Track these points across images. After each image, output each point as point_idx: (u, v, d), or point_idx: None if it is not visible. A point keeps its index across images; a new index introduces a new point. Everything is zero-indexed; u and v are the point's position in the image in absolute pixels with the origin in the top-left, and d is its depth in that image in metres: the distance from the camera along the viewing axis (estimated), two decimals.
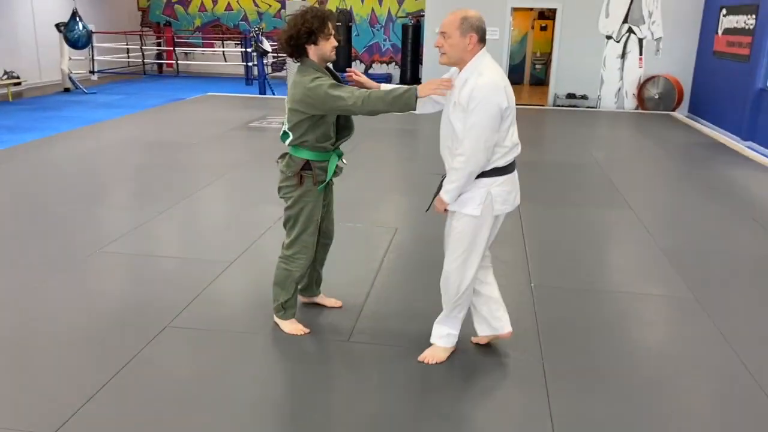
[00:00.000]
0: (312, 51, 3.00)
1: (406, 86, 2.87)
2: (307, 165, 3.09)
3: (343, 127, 3.20)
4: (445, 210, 2.93)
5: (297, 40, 2.97)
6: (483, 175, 2.81)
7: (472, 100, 2.69)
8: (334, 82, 2.96)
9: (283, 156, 3.20)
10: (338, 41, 3.10)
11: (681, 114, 11.80)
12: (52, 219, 5.08)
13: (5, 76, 12.65)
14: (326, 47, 3.01)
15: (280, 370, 3.07)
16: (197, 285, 3.91)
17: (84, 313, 3.55)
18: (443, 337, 3.15)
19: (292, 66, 10.41)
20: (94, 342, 3.25)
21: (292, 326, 3.37)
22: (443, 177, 2.93)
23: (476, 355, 3.22)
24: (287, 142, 3.12)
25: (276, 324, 3.42)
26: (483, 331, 3.24)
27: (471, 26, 2.74)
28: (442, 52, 2.81)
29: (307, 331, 3.36)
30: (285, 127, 3.12)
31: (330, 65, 3.20)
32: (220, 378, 2.96)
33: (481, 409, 2.83)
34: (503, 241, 4.81)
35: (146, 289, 3.88)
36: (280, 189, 3.21)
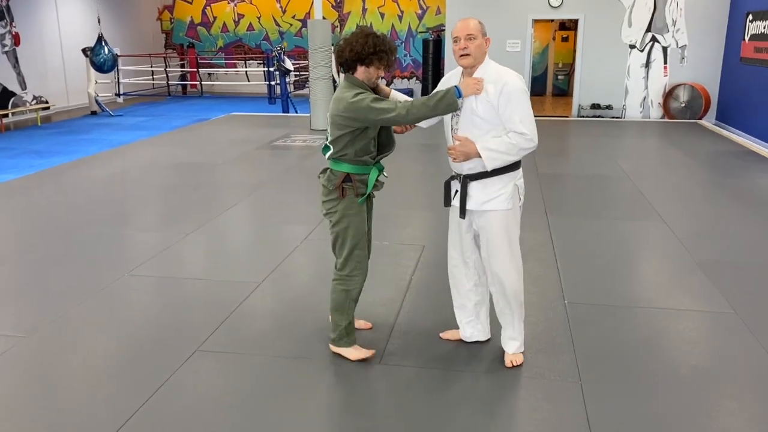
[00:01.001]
0: (361, 71, 3.05)
1: (443, 89, 2.97)
2: (347, 178, 3.10)
3: (384, 143, 3.22)
4: (459, 156, 2.97)
5: (357, 56, 3.00)
6: (509, 168, 2.99)
7: (514, 92, 2.87)
8: (377, 96, 3.02)
9: (324, 171, 3.22)
10: (387, 72, 3.19)
11: (708, 122, 11.60)
12: (80, 243, 5.12)
13: (34, 101, 12.92)
14: (374, 73, 3.07)
15: (312, 396, 3.02)
16: (226, 307, 3.89)
17: (114, 338, 3.55)
18: (519, 346, 3.26)
19: (314, 85, 10.44)
20: (125, 368, 3.23)
21: (357, 353, 3.26)
22: (452, 177, 3.12)
23: (513, 375, 3.14)
24: (328, 155, 3.14)
25: (335, 354, 3.29)
26: (474, 336, 3.39)
27: (485, 30, 2.99)
28: (466, 53, 2.93)
29: (373, 352, 3.29)
30: (327, 141, 3.16)
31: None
32: (250, 403, 2.92)
33: (519, 431, 2.75)
34: (534, 256, 4.73)
35: (175, 312, 3.87)
36: (323, 204, 3.20)
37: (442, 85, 3.15)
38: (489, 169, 2.93)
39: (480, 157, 2.91)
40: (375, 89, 3.16)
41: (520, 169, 3.09)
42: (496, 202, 3.00)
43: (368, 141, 3.10)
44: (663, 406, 2.89)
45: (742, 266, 4.57)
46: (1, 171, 8.07)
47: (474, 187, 3.02)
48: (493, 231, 3.04)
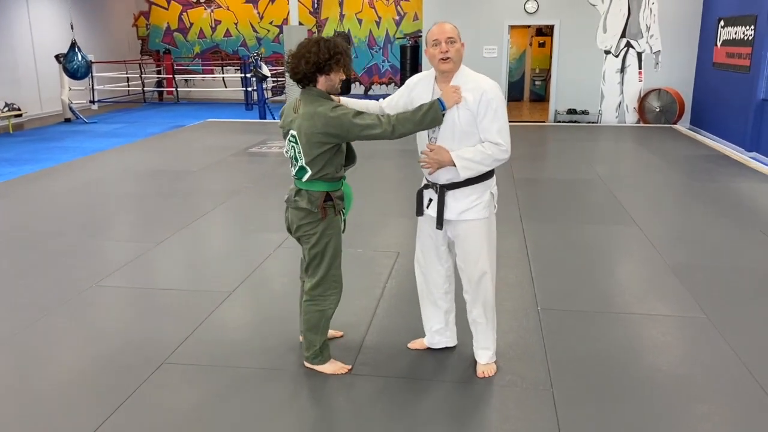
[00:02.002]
0: (322, 80, 2.92)
1: (427, 102, 2.88)
2: (327, 197, 2.98)
3: (349, 156, 3.12)
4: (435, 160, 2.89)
5: (315, 66, 2.87)
6: (484, 177, 2.95)
7: (493, 101, 2.83)
8: (356, 110, 2.89)
9: (298, 193, 3.01)
10: (347, 76, 3.06)
11: (683, 126, 11.72)
12: (48, 253, 5.01)
13: (6, 108, 12.69)
14: (336, 80, 2.95)
15: (280, 410, 2.95)
16: (195, 318, 3.82)
17: (78, 351, 3.46)
18: (491, 356, 3.22)
19: (291, 92, 10.39)
20: (88, 383, 3.15)
21: (333, 367, 3.20)
22: (426, 186, 3.05)
23: (484, 384, 3.10)
24: (305, 177, 2.95)
25: (309, 368, 3.22)
26: (442, 342, 3.37)
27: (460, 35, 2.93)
28: (448, 57, 2.84)
29: (350, 367, 3.23)
30: (301, 162, 2.94)
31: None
32: (216, 418, 2.86)
33: None
34: (507, 262, 4.72)
35: (142, 324, 3.79)
36: (299, 228, 3.02)
37: (408, 89, 3.03)
38: (462, 178, 2.88)
39: (454, 165, 2.85)
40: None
41: (494, 177, 3.06)
42: (473, 211, 2.96)
43: (342, 155, 3.02)
44: (634, 413, 2.88)
45: (715, 270, 4.60)
46: None
47: (451, 196, 2.96)
48: (470, 240, 3.00)
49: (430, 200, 3.06)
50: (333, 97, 3.03)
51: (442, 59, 2.84)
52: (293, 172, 3.03)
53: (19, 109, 13.00)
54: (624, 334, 3.64)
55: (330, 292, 3.10)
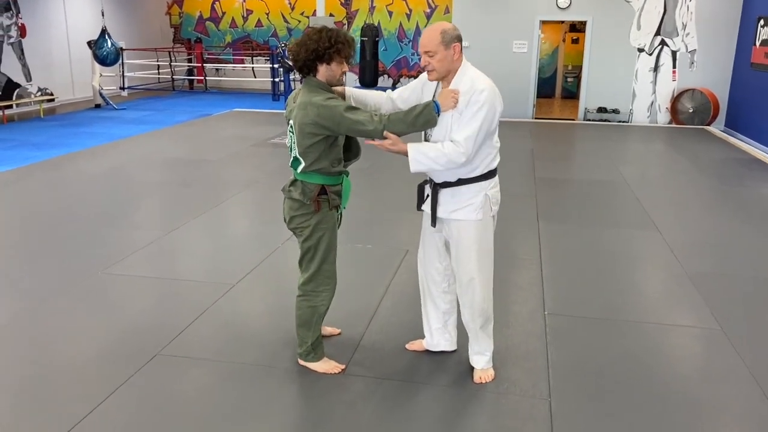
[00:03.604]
0: (323, 70, 2.86)
1: (422, 103, 2.79)
2: (322, 190, 2.93)
3: (347, 149, 3.06)
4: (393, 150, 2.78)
5: (314, 54, 2.82)
6: (480, 179, 2.85)
7: (474, 104, 2.71)
8: (349, 105, 2.83)
9: (293, 183, 2.99)
10: (349, 69, 2.99)
11: (717, 128, 11.36)
12: (59, 239, 5.05)
13: (39, 93, 12.93)
14: (337, 70, 2.88)
15: (270, 407, 2.90)
16: (195, 310, 3.79)
17: (73, 339, 3.46)
18: (488, 361, 3.12)
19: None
20: (79, 371, 3.14)
21: (326, 365, 3.14)
22: (425, 181, 3.00)
23: (478, 390, 3.01)
24: (299, 168, 2.91)
25: (302, 366, 3.17)
26: (440, 345, 3.29)
27: (453, 37, 2.76)
28: (430, 69, 2.78)
29: (343, 367, 3.16)
30: (295, 153, 2.91)
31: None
32: (202, 413, 2.82)
33: None
34: (518, 264, 4.60)
35: (142, 313, 3.77)
36: (292, 219, 2.99)
37: (420, 83, 2.96)
38: (412, 170, 2.79)
39: (406, 155, 2.76)
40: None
41: (495, 179, 2.94)
42: (464, 211, 2.88)
43: (339, 149, 2.96)
44: (635, 429, 2.75)
45: (735, 280, 4.41)
46: None
47: (444, 194, 2.90)
48: (460, 241, 2.92)
49: (427, 196, 2.99)
50: (336, 88, 2.97)
51: (427, 71, 2.81)
52: (289, 162, 2.99)
53: (52, 94, 13.24)
54: (632, 343, 3.50)
55: (322, 288, 3.04)
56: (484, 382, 3.06)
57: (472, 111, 2.71)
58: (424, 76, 2.98)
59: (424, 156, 2.74)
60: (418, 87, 2.99)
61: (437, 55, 2.74)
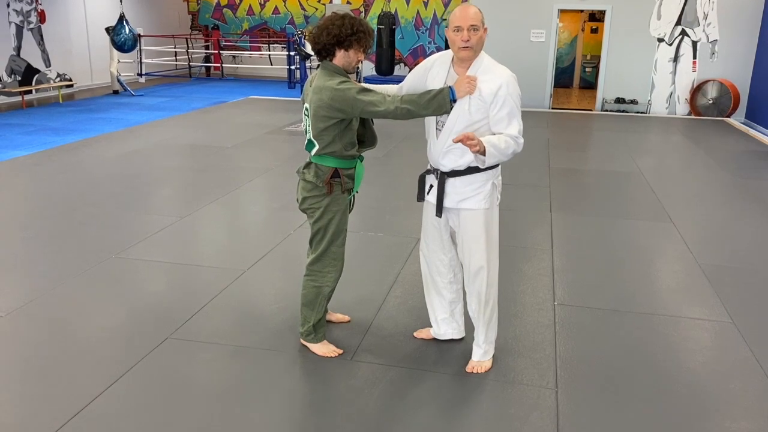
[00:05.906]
0: (340, 56, 2.90)
1: (437, 89, 2.79)
2: (335, 173, 2.97)
3: (361, 135, 3.08)
4: (469, 143, 2.66)
5: (335, 39, 2.85)
6: (487, 168, 2.83)
7: (512, 95, 2.74)
8: (363, 86, 2.86)
9: (307, 165, 3.05)
10: (365, 59, 3.04)
11: (737, 120, 11.20)
12: (74, 223, 5.11)
13: (58, 79, 13.05)
14: (354, 58, 2.92)
15: (275, 391, 2.93)
16: (206, 294, 3.84)
17: (86, 322, 3.51)
18: (484, 353, 3.10)
19: None
20: (92, 353, 3.19)
21: (324, 348, 3.19)
22: (428, 171, 3.01)
23: (484, 379, 3.02)
24: (313, 151, 2.97)
25: (304, 346, 3.23)
26: (448, 334, 3.29)
27: (484, 19, 2.79)
28: (468, 46, 2.74)
29: (341, 351, 3.20)
30: (309, 135, 2.97)
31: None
32: (211, 395, 2.85)
33: None
34: (530, 254, 4.59)
35: (154, 298, 3.82)
36: (304, 200, 3.04)
37: (424, 69, 2.93)
38: (486, 165, 2.76)
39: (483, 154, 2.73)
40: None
41: (499, 167, 2.94)
42: (473, 201, 2.87)
43: (353, 134, 2.99)
44: (644, 422, 2.75)
45: (748, 273, 4.37)
46: (14, 147, 8.15)
47: (451, 184, 2.89)
48: (469, 230, 2.92)
49: (431, 186, 2.98)
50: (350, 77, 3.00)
51: (463, 47, 2.75)
52: (304, 144, 3.04)
53: (71, 80, 13.36)
54: (642, 335, 3.49)
55: (328, 269, 3.08)
56: (476, 372, 3.05)
57: (510, 104, 2.74)
58: (427, 61, 2.95)
59: (495, 150, 2.71)
60: (421, 73, 2.95)
61: (479, 31, 2.73)
